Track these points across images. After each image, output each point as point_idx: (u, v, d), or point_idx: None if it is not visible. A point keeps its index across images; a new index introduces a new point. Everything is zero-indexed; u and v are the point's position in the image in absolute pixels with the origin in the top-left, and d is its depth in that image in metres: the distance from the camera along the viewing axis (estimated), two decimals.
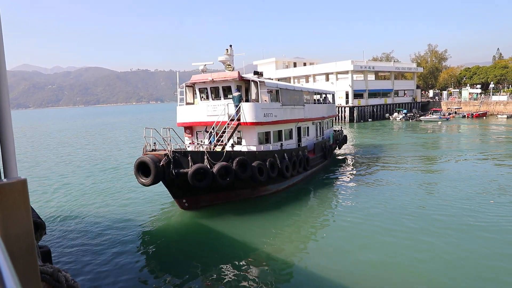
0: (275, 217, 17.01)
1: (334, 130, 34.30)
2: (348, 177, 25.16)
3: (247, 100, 20.40)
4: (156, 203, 19.46)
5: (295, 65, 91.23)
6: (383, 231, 14.60)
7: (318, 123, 29.36)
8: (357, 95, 75.47)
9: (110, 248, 13.86)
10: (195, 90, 21.92)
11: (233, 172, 16.92)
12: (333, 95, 35.89)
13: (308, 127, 26.87)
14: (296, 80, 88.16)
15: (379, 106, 77.88)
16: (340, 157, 32.96)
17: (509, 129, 50.68)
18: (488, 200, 18.00)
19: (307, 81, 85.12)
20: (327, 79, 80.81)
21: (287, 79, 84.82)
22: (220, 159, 16.84)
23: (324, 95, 33.53)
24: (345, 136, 35.66)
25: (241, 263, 12.45)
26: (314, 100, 30.97)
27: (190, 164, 16.14)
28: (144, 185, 16.25)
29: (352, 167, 28.36)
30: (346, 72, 75.93)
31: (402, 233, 14.30)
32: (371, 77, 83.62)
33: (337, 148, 33.55)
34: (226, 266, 12.22)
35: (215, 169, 16.38)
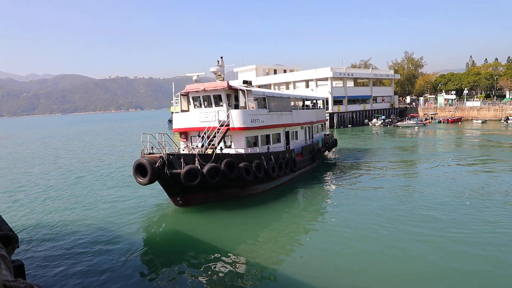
0: (261, 215, 18.31)
1: (325, 134, 35.89)
2: (332, 179, 26.25)
3: (236, 107, 22.00)
4: (148, 204, 19.18)
5: (275, 72, 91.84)
6: (360, 231, 15.00)
7: (307, 128, 30.98)
8: (337, 101, 76.47)
9: (91, 257, 13.48)
10: (189, 99, 23.50)
11: (222, 172, 18.36)
12: (325, 101, 37.38)
13: (296, 132, 28.47)
14: (276, 87, 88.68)
15: (358, 112, 79.08)
16: (328, 161, 34.28)
17: (483, 133, 52.30)
18: (464, 202, 18.46)
19: (287, 88, 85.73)
20: (307, 86, 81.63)
21: (267, 86, 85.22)
22: (209, 161, 18.34)
23: (314, 101, 35.24)
24: (335, 140, 37.35)
25: (225, 258, 13.29)
26: (305, 106, 32.46)
27: (182, 165, 17.77)
28: (142, 184, 17.90)
29: (337, 170, 29.37)
30: (326, 79, 76.92)
31: (379, 234, 14.56)
32: (350, 83, 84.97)
33: (326, 151, 34.87)
34: (212, 258, 13.31)
35: (205, 170, 17.90)
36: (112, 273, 12.43)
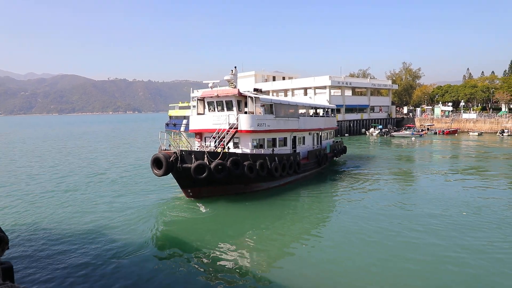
0: (262, 214, 19.89)
1: (336, 141, 38.09)
2: (334, 184, 27.47)
3: (245, 112, 24.35)
4: (134, 207, 19.12)
5: (274, 79, 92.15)
6: (352, 237, 15.23)
7: (315, 134, 33.02)
8: None
9: (82, 257, 13.43)
10: (205, 103, 26.12)
11: (227, 168, 20.73)
12: (333, 110, 39.53)
13: (304, 137, 30.63)
14: (274, 94, 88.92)
15: (355, 121, 79.37)
16: (336, 166, 35.52)
17: (479, 145, 52.64)
18: (461, 212, 18.55)
19: (285, 95, 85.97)
20: (305, 94, 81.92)
21: (265, 93, 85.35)
22: (217, 158, 20.69)
23: (326, 110, 37.46)
24: (344, 147, 39.23)
25: (226, 248, 14.98)
26: (315, 113, 34.14)
27: (193, 160, 20.32)
28: (157, 175, 20.75)
29: (340, 176, 30.63)
30: (324, 87, 77.24)
31: (372, 242, 14.70)
32: (348, 92, 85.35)
33: (335, 157, 36.82)
34: (213, 246, 15.24)
35: (212, 165, 20.31)
36: (99, 271, 12.51)
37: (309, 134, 31.57)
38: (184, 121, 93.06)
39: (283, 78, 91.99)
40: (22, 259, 13.61)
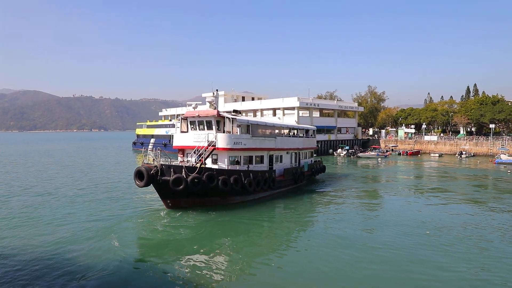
0: (232, 222, 21.63)
1: (315, 161, 40.13)
2: (308, 200, 29.01)
3: (223, 132, 26.48)
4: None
5: (243, 99, 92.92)
6: (319, 251, 15.31)
7: (294, 153, 34.95)
8: None
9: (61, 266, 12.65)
10: (188, 122, 28.16)
11: (202, 182, 22.64)
12: (314, 131, 41.47)
13: (281, 156, 32.45)
14: (244, 114, 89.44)
15: (323, 142, 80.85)
16: (313, 184, 36.92)
17: (440, 166, 55.01)
18: (424, 231, 19.05)
19: (254, 116, 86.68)
20: (274, 114, 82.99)
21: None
22: (194, 172, 22.55)
23: (306, 130, 39.34)
24: (323, 166, 41.15)
25: (198, 255, 16.21)
26: (294, 133, 36.21)
27: (172, 174, 22.17)
28: (139, 186, 22.64)
29: (314, 193, 31.92)
30: (293, 108, 78.60)
31: (337, 256, 14.79)
32: (316, 114, 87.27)
33: (313, 175, 38.43)
34: (188, 252, 16.81)
35: (189, 179, 22.22)
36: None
37: (287, 153, 33.53)
38: (152, 140, 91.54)
39: (252, 99, 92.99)
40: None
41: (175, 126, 29.78)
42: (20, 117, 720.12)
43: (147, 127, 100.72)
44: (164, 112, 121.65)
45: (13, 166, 54.04)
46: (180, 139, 28.14)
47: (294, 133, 36.36)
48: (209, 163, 26.18)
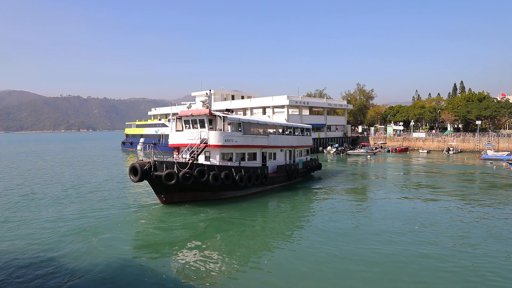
0: (225, 220, 21.97)
1: (311, 159, 40.61)
2: (302, 196, 29.76)
3: (215, 129, 27.39)
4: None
5: (233, 98, 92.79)
6: (309, 249, 15.43)
7: (288, 151, 35.77)
8: None
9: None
10: (182, 121, 29.15)
11: (193, 177, 23.64)
12: (309, 129, 41.84)
13: (275, 153, 33.29)
14: (234, 113, 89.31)
15: (313, 140, 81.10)
16: (309, 180, 37.70)
17: (428, 162, 55.73)
18: (413, 226, 19.32)
19: (244, 114, 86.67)
20: (264, 113, 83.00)
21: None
22: (185, 168, 23.59)
23: (302, 129, 39.88)
24: (319, 164, 41.38)
25: (191, 249, 16.72)
26: (289, 132, 36.59)
27: (164, 169, 23.42)
28: (134, 181, 23.90)
29: (308, 189, 32.68)
30: (282, 107, 78.78)
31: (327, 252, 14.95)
32: (306, 112, 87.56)
33: (308, 173, 39.28)
34: (182, 247, 17.34)
35: (180, 174, 23.29)
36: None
37: (281, 150, 34.38)
38: (142, 140, 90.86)
39: (242, 97, 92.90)
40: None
41: (170, 125, 30.86)
42: (6, 118, 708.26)
43: (136, 127, 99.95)
44: (153, 112, 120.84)
45: None
46: (175, 138, 29.37)
47: (290, 131, 36.95)
48: (202, 160, 27.13)
